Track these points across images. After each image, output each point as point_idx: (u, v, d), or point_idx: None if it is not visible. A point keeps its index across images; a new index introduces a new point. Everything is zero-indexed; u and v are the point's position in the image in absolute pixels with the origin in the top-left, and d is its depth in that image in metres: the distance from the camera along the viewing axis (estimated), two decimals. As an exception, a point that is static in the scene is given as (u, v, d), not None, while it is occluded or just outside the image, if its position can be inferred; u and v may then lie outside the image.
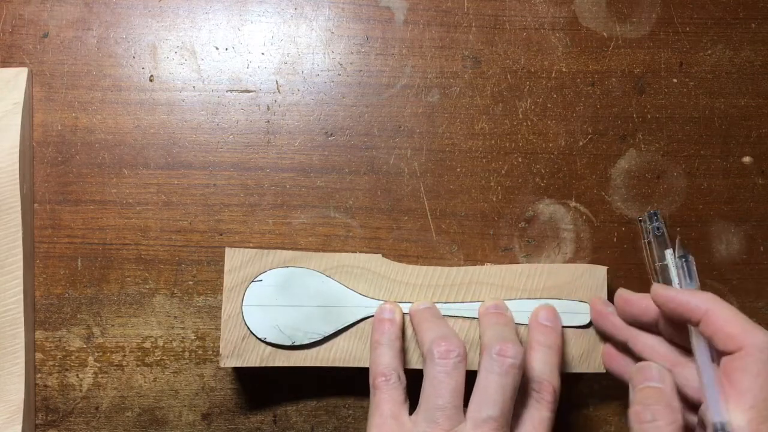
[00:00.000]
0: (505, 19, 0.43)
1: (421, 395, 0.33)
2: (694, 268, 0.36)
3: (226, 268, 0.38)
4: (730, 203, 0.42)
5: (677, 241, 0.38)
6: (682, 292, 0.34)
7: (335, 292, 0.38)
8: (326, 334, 0.38)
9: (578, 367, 0.39)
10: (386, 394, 0.34)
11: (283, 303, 0.38)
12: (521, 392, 0.34)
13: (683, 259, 0.36)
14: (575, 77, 0.43)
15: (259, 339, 0.38)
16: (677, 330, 0.35)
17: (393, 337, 0.37)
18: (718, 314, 0.31)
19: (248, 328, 0.38)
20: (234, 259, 0.38)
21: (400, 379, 0.35)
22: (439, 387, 0.32)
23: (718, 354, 0.32)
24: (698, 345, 0.33)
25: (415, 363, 0.38)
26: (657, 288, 0.35)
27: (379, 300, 0.38)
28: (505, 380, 0.32)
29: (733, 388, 0.30)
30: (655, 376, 0.32)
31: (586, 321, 0.39)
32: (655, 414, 0.30)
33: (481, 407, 0.31)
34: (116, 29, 0.42)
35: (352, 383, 0.41)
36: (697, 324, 0.32)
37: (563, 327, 0.38)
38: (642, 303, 0.36)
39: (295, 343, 0.38)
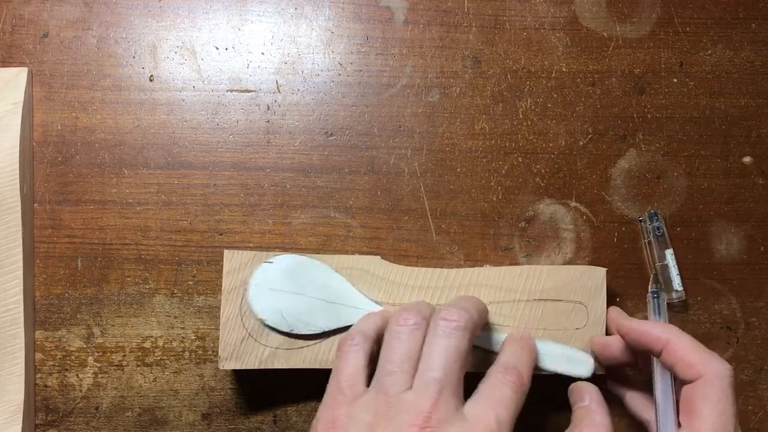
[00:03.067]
0: (505, 19, 0.43)
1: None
2: (665, 304, 0.38)
3: (224, 270, 0.38)
4: (730, 203, 0.42)
5: (652, 276, 0.40)
6: (644, 323, 0.35)
7: (339, 289, 0.39)
8: (325, 330, 0.38)
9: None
10: (343, 361, 0.33)
11: (290, 290, 0.38)
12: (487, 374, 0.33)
13: (654, 296, 0.38)
14: (575, 77, 0.43)
15: (260, 319, 0.37)
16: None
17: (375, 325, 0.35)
18: (679, 344, 0.32)
19: (251, 307, 0.38)
20: (233, 261, 0.38)
21: (366, 340, 0.34)
22: (389, 352, 0.32)
23: (679, 383, 0.33)
24: (656, 374, 0.34)
25: None
26: (620, 319, 0.37)
27: (377, 302, 0.38)
28: (448, 342, 0.31)
29: (692, 415, 0.31)
30: (584, 397, 0.35)
31: (583, 324, 0.39)
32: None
33: (423, 371, 0.31)
34: (116, 29, 0.42)
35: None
36: (659, 354, 0.33)
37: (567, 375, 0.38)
38: (616, 344, 0.37)
39: (293, 331, 0.38)
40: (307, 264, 0.39)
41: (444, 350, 0.31)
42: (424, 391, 0.30)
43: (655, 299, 0.38)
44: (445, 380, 0.30)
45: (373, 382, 0.32)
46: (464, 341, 0.32)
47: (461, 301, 0.35)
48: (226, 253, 0.38)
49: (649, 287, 0.40)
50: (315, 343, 0.38)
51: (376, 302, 0.39)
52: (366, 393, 0.31)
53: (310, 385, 0.41)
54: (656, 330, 0.34)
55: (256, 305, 0.38)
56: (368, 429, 0.29)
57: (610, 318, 0.38)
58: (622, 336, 0.36)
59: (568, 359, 0.38)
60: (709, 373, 0.31)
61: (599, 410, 0.34)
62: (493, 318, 0.38)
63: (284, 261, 0.39)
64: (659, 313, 0.37)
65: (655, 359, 0.34)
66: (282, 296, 0.38)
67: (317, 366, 0.38)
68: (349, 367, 0.32)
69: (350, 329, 0.35)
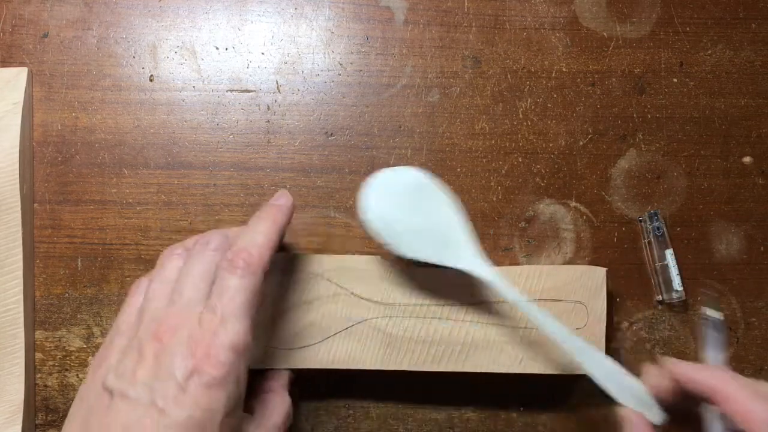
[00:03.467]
0: (505, 19, 0.43)
1: None
2: (725, 336, 0.36)
3: None
4: (730, 203, 0.42)
5: (707, 299, 0.37)
6: (691, 368, 0.33)
7: (450, 226, 0.37)
8: (420, 260, 0.37)
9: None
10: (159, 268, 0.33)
11: (407, 203, 0.37)
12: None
13: (712, 325, 0.35)
14: (575, 77, 0.43)
15: (365, 219, 0.36)
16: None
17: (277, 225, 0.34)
18: (728, 392, 0.31)
19: (361, 204, 0.36)
20: None
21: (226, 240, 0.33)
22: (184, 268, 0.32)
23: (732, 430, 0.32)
24: (709, 423, 0.33)
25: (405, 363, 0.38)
26: (675, 365, 0.34)
27: (377, 301, 0.38)
28: (239, 282, 0.31)
29: None
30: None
31: (583, 324, 0.38)
32: None
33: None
34: (116, 29, 0.42)
35: (352, 383, 0.41)
36: (713, 402, 0.32)
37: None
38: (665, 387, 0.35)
39: (390, 246, 0.36)
40: (429, 186, 0.37)
41: (230, 287, 0.31)
42: (165, 310, 0.31)
43: (712, 330, 0.35)
44: (186, 303, 0.30)
45: None
46: (247, 282, 0.31)
47: (254, 230, 0.33)
48: None
49: (705, 311, 0.36)
50: (316, 343, 0.38)
51: (483, 260, 0.36)
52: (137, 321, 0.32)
53: (311, 384, 0.41)
54: (703, 377, 0.32)
55: (367, 203, 0.36)
56: (121, 352, 0.30)
57: (665, 368, 0.35)
58: (678, 381, 0.34)
59: (620, 385, 0.35)
60: (758, 422, 0.30)
61: None
62: (494, 318, 0.38)
63: (412, 174, 0.37)
64: (715, 346, 0.35)
65: (706, 405, 0.33)
66: (394, 206, 0.36)
67: (317, 366, 0.38)
68: (170, 267, 0.33)
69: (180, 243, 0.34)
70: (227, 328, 0.29)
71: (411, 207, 0.37)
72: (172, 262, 0.33)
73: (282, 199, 0.36)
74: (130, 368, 0.29)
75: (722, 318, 0.36)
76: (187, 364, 0.28)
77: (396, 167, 0.37)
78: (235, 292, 0.30)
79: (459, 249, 0.37)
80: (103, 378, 0.29)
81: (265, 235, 0.33)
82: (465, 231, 0.37)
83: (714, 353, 0.35)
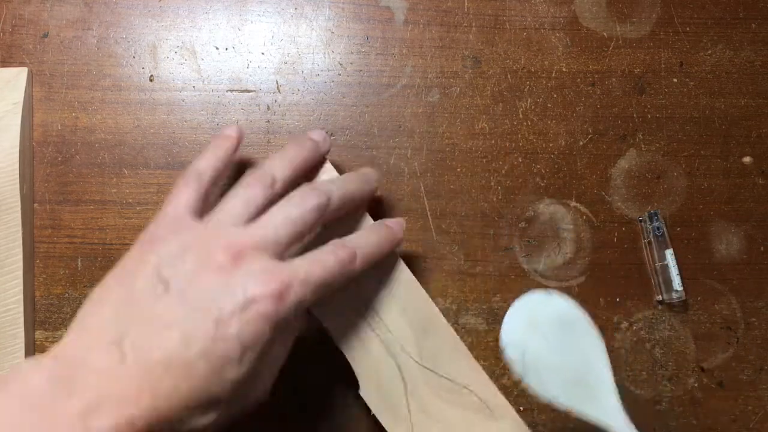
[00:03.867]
0: (505, 19, 0.43)
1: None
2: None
3: None
4: (730, 203, 0.42)
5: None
6: None
7: (595, 371, 0.34)
8: (552, 400, 0.34)
9: None
10: (174, 193, 0.32)
11: (550, 337, 0.34)
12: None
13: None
14: (575, 77, 0.43)
15: (501, 345, 0.34)
16: None
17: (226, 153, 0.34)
18: None
19: (503, 324, 0.35)
20: None
21: (200, 181, 0.32)
22: (231, 197, 0.32)
23: None
24: None
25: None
26: None
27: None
28: (293, 211, 0.31)
29: None
30: None
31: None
32: None
33: (258, 224, 0.31)
34: (116, 29, 0.42)
35: (352, 383, 0.41)
36: None
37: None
38: None
39: (521, 376, 0.34)
40: (579, 320, 0.34)
41: (284, 218, 0.31)
42: (246, 233, 0.30)
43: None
44: (273, 239, 0.30)
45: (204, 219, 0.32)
46: (313, 214, 0.31)
47: (341, 180, 0.34)
48: None
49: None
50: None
51: (625, 417, 0.32)
52: (193, 223, 0.31)
53: (313, 385, 0.41)
54: None
55: (506, 327, 0.34)
56: (181, 248, 0.29)
57: None
58: None
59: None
60: None
61: None
62: None
63: (562, 304, 0.34)
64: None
65: None
66: (537, 336, 0.33)
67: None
68: (180, 198, 0.32)
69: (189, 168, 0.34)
70: (305, 289, 0.29)
71: (556, 342, 0.33)
72: (257, 188, 0.32)
73: (369, 173, 0.36)
74: (192, 269, 0.28)
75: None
76: (256, 291, 0.28)
77: (548, 292, 0.34)
78: (326, 271, 0.31)
79: (601, 399, 0.33)
80: (158, 265, 0.29)
81: (378, 247, 0.34)
82: (610, 380, 0.33)
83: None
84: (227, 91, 0.42)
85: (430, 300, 0.37)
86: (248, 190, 0.32)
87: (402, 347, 0.36)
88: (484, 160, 0.42)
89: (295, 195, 0.32)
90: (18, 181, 0.39)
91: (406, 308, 0.37)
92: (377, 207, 0.41)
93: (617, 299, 0.41)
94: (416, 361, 0.36)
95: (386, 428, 0.36)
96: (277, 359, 0.32)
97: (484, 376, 0.37)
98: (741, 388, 0.41)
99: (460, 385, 0.37)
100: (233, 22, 0.43)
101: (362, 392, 0.36)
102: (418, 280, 0.38)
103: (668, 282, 0.40)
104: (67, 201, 0.41)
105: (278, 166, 0.33)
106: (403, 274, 0.37)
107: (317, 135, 0.36)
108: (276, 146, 0.42)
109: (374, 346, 0.36)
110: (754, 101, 0.43)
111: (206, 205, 0.33)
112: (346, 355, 0.36)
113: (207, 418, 0.28)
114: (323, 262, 0.31)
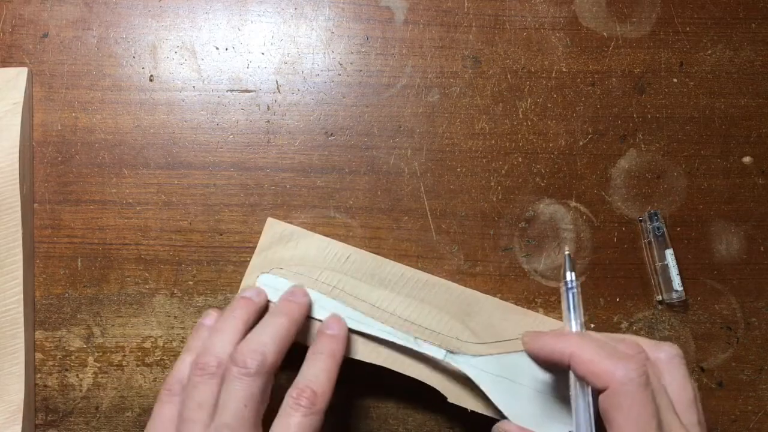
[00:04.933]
0: (505, 19, 0.43)
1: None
2: (579, 298, 0.35)
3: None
4: (730, 203, 0.42)
5: (566, 257, 0.36)
6: (548, 338, 0.34)
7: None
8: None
9: None
10: (194, 391, 0.33)
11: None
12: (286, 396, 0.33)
13: (569, 287, 0.35)
14: (575, 77, 0.43)
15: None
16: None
17: (242, 321, 0.35)
18: (582, 356, 0.31)
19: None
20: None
21: (219, 365, 0.33)
22: (187, 400, 0.33)
23: (597, 392, 0.31)
24: (572, 386, 0.33)
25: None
26: (525, 338, 0.36)
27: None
28: (240, 387, 0.32)
29: (611, 426, 0.30)
30: None
31: None
32: None
33: (217, 417, 0.32)
34: (116, 29, 0.42)
35: (352, 384, 0.41)
36: (573, 367, 0.32)
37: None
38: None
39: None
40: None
41: (235, 397, 0.32)
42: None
43: (569, 291, 0.35)
44: (238, 426, 0.31)
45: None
46: (255, 386, 0.32)
47: (262, 333, 0.34)
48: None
49: (564, 274, 0.35)
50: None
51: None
52: None
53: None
54: (559, 344, 0.33)
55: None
56: None
57: (525, 347, 0.36)
58: (533, 357, 0.35)
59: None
60: (614, 381, 0.30)
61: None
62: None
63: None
64: (571, 310, 0.35)
65: (571, 375, 0.33)
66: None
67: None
68: (161, 415, 0.33)
69: (168, 378, 0.35)
70: None
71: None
72: (206, 384, 0.33)
73: (335, 328, 0.37)
74: None
75: (579, 280, 0.35)
76: None
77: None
78: (295, 429, 0.32)
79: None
80: None
81: (327, 373, 0.34)
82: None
83: (574, 316, 0.34)
84: (227, 91, 0.42)
85: (452, 283, 0.39)
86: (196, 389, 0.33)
87: (457, 339, 0.38)
88: (484, 160, 0.42)
89: (230, 368, 0.33)
90: (18, 181, 0.39)
91: (439, 305, 0.38)
92: (377, 210, 0.42)
93: (617, 299, 0.41)
94: (476, 343, 0.38)
95: (493, 415, 0.37)
96: None
97: (539, 317, 0.39)
98: (741, 388, 0.41)
99: (521, 350, 0.37)
100: (233, 22, 0.43)
101: (450, 400, 0.37)
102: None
103: (668, 282, 0.40)
104: (67, 201, 0.41)
105: (219, 346, 0.34)
106: (418, 275, 0.39)
107: (251, 293, 0.37)
108: (276, 146, 0.42)
109: (435, 354, 0.37)
110: (754, 101, 0.43)
111: None
112: (416, 377, 0.37)
113: None
114: (294, 427, 0.32)
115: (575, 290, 0.35)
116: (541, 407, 0.36)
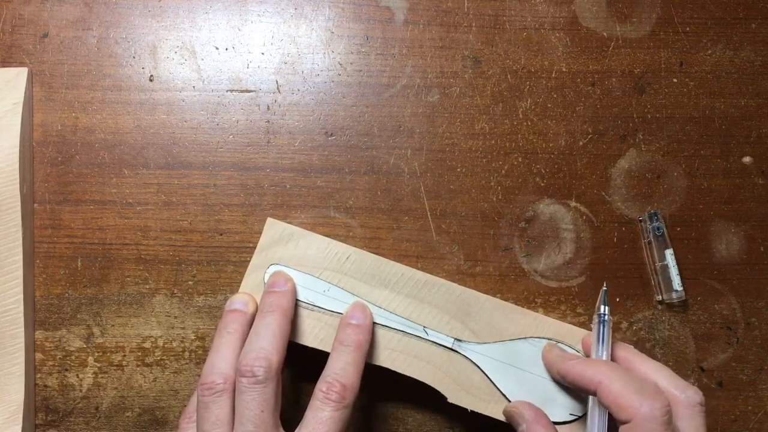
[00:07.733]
0: (505, 19, 0.43)
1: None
2: (610, 332, 0.36)
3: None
4: (730, 203, 0.42)
5: (602, 293, 0.37)
6: (577, 364, 0.34)
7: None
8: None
9: None
10: (207, 411, 0.33)
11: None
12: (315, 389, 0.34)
13: (600, 320, 0.36)
14: (575, 77, 0.43)
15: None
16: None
17: (238, 335, 0.36)
18: (611, 387, 0.32)
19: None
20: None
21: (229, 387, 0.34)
22: (201, 422, 0.33)
23: (619, 422, 0.32)
24: (591, 411, 0.34)
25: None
26: (548, 355, 0.37)
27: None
28: (252, 397, 0.32)
29: None
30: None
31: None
32: None
33: (237, 427, 0.32)
34: (116, 29, 0.42)
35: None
36: (594, 394, 0.33)
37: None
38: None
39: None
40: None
41: (251, 406, 0.32)
42: None
43: (601, 324, 0.36)
44: (259, 429, 0.32)
45: None
46: (268, 391, 0.33)
47: (260, 338, 0.34)
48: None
49: (598, 307, 0.37)
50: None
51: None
52: None
53: (311, 384, 0.41)
54: (589, 371, 0.33)
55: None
56: None
57: (547, 360, 0.37)
58: (561, 376, 0.36)
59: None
60: (638, 416, 0.30)
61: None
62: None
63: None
64: (601, 341, 0.36)
65: (591, 397, 0.34)
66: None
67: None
68: (208, 421, 0.34)
69: (186, 408, 0.36)
70: None
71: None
72: (216, 403, 0.33)
73: (359, 317, 0.37)
74: None
75: (610, 313, 0.37)
76: None
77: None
78: (326, 424, 0.32)
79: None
80: None
81: (354, 366, 0.35)
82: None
83: (604, 348, 0.36)
84: (227, 91, 0.42)
85: (452, 283, 0.39)
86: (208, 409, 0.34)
87: (457, 339, 0.38)
88: (484, 160, 0.42)
89: (240, 381, 0.33)
90: (18, 181, 0.39)
91: (439, 305, 0.38)
92: (377, 210, 0.42)
93: (617, 299, 0.41)
94: (476, 343, 0.38)
95: (491, 415, 0.38)
96: None
97: (539, 317, 0.39)
98: (741, 388, 0.41)
99: (524, 337, 0.38)
100: (233, 22, 0.43)
101: (451, 400, 0.38)
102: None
103: (668, 282, 0.40)
104: (67, 201, 0.41)
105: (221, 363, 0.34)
106: (418, 275, 0.39)
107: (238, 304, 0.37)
108: (276, 146, 0.42)
109: (435, 355, 0.38)
110: (754, 101, 0.43)
111: None
112: (417, 378, 0.38)
113: None
114: (325, 421, 0.33)
115: (607, 324, 0.36)
116: (544, 392, 0.37)
